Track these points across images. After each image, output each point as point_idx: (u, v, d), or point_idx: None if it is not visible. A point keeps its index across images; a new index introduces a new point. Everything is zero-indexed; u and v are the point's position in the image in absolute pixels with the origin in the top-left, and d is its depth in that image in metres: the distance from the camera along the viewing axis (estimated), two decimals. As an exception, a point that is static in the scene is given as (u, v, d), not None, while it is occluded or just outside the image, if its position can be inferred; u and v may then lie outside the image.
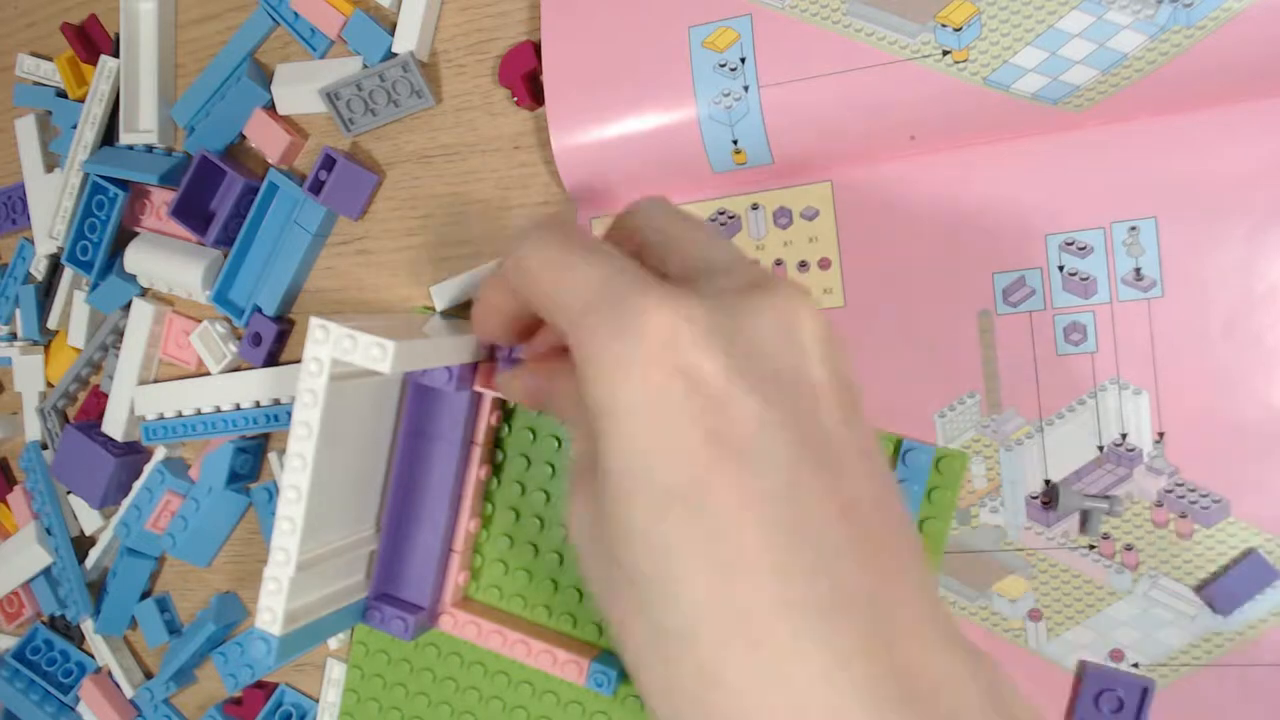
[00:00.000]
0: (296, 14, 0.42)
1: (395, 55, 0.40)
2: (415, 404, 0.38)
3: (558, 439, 0.39)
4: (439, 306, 0.41)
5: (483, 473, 0.39)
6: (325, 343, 0.31)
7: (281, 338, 0.44)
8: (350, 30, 0.41)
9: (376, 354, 0.30)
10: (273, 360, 0.45)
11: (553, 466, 0.39)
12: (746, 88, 0.34)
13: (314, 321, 0.31)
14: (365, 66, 0.41)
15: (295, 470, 0.33)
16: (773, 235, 0.36)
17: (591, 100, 0.35)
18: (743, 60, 0.34)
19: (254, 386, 0.44)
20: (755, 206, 0.36)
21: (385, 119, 0.41)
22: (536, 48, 0.38)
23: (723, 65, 0.34)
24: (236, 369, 0.46)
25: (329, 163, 0.41)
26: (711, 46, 0.34)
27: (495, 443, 0.40)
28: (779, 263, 0.36)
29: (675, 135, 0.35)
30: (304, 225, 0.42)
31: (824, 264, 0.35)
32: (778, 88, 0.33)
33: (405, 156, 0.42)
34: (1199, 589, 0.32)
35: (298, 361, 0.44)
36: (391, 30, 0.40)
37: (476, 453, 0.38)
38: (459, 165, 0.41)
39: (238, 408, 0.45)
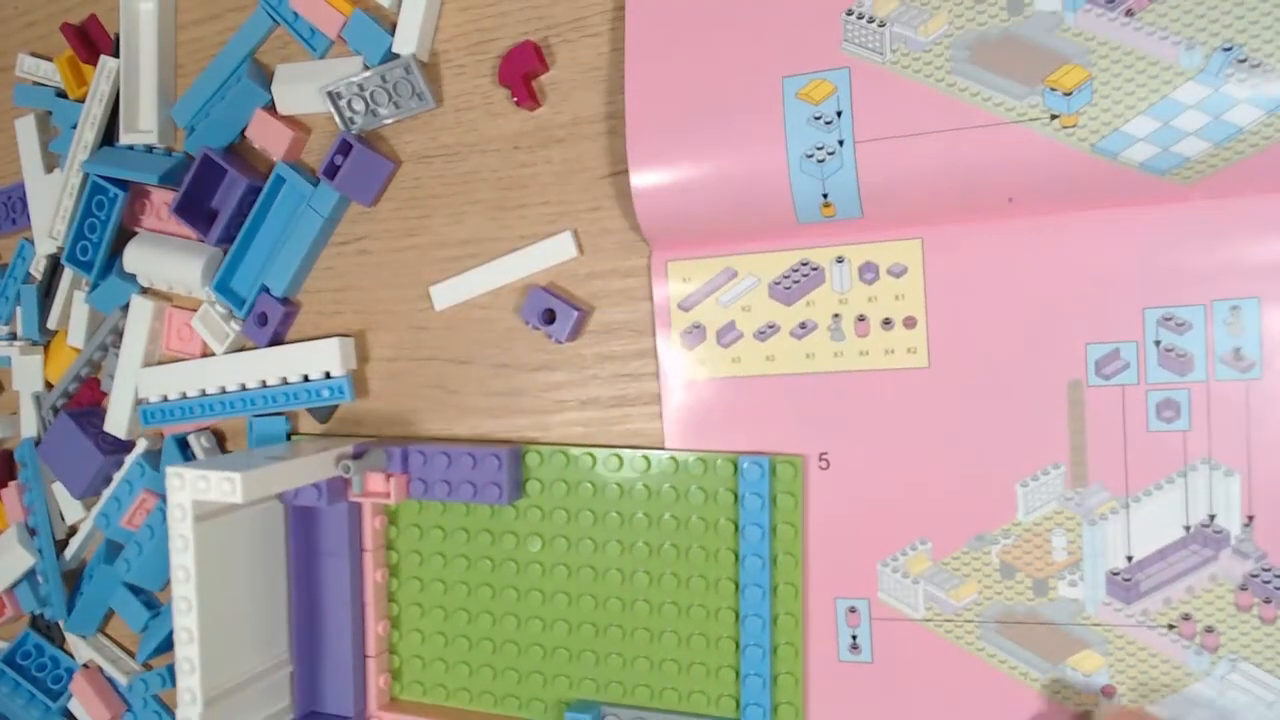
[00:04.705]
0: (296, 14, 0.42)
1: (396, 55, 0.39)
2: (297, 525, 0.39)
3: (441, 529, 0.40)
4: (438, 306, 0.41)
5: (379, 576, 0.40)
6: (183, 489, 0.33)
7: (287, 319, 0.44)
8: (350, 30, 0.40)
9: (228, 487, 0.32)
10: (278, 342, 0.44)
11: (443, 556, 0.40)
12: (842, 142, 0.32)
13: (169, 470, 0.33)
14: (365, 66, 0.41)
15: (183, 613, 0.34)
16: (857, 290, 0.35)
17: (675, 142, 0.34)
18: (839, 114, 0.32)
19: (257, 367, 0.43)
20: (840, 259, 0.35)
21: (386, 119, 0.41)
22: (536, 48, 0.37)
23: (817, 118, 0.32)
24: (241, 349, 0.45)
25: (345, 147, 0.40)
26: (806, 98, 0.32)
27: (386, 545, 0.41)
28: (862, 318, 0.35)
29: (762, 184, 0.33)
30: (317, 209, 0.42)
31: (909, 322, 0.34)
32: (875, 144, 0.32)
33: (405, 156, 0.42)
34: None
35: (301, 341, 0.44)
36: (391, 30, 0.40)
37: (369, 559, 0.39)
38: (459, 165, 0.41)
39: (243, 388, 0.44)
